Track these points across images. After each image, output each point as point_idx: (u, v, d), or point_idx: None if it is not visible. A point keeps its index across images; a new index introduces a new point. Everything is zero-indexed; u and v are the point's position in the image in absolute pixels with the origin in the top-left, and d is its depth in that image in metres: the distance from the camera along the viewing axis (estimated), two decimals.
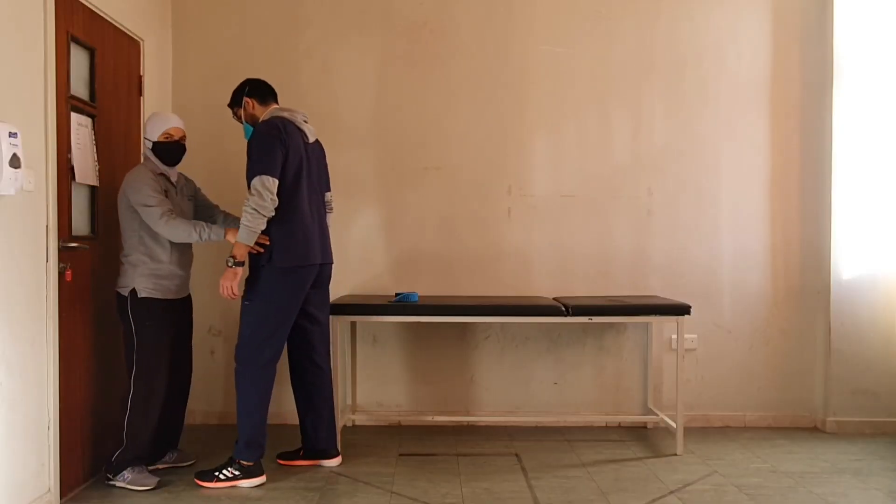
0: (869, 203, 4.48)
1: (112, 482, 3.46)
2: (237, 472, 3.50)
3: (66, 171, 3.31)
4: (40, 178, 3.09)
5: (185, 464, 3.76)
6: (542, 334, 4.62)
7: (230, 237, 3.47)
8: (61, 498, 3.25)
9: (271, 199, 3.41)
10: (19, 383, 2.94)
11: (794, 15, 4.62)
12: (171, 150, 3.57)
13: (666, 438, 4.32)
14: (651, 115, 4.63)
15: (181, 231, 3.41)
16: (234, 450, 3.55)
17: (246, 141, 3.74)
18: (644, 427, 4.59)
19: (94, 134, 3.58)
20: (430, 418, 4.38)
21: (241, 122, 3.75)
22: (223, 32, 4.59)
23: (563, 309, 4.04)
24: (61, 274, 3.22)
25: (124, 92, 3.96)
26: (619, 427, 4.60)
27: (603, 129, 4.63)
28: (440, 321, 4.23)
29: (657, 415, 4.40)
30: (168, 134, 3.56)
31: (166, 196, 3.52)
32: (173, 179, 3.62)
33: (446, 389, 4.62)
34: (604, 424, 4.62)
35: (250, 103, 3.69)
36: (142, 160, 3.64)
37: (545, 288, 4.60)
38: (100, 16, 3.64)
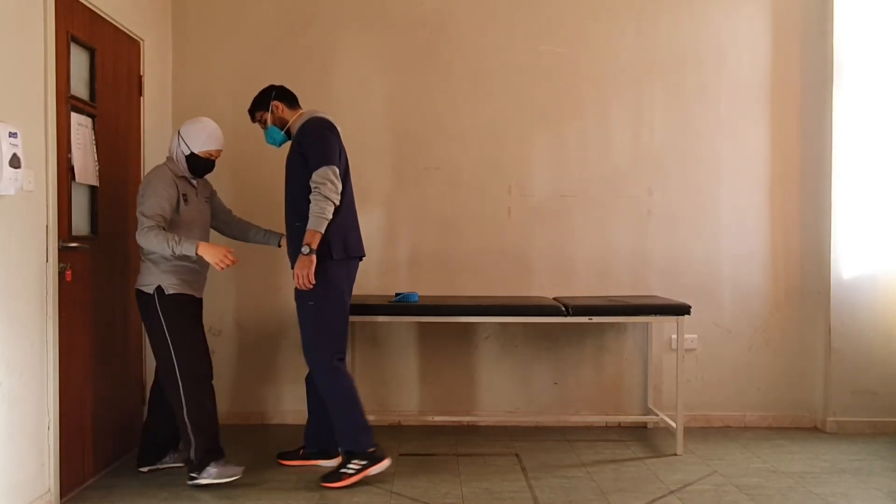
0: (869, 203, 4.48)
1: (197, 481, 3.43)
2: (364, 462, 3.50)
3: (66, 171, 3.30)
4: (40, 178, 3.09)
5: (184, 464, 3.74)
6: (542, 334, 4.62)
7: (202, 252, 3.34)
8: (61, 498, 3.25)
9: (339, 188, 3.46)
10: (19, 383, 2.94)
11: (794, 15, 4.62)
12: (204, 165, 3.57)
13: (666, 438, 4.32)
14: (651, 115, 4.63)
15: (155, 243, 3.32)
16: (343, 446, 3.54)
17: (267, 145, 3.77)
18: (644, 427, 4.59)
19: (94, 134, 3.58)
20: (430, 418, 4.38)
21: (264, 127, 3.72)
22: (223, 32, 4.59)
23: (563, 309, 4.04)
24: (61, 274, 3.22)
25: (124, 92, 3.96)
26: (619, 427, 4.60)
27: (603, 129, 4.63)
28: (440, 321, 4.23)
29: (657, 415, 4.40)
30: (210, 153, 3.56)
31: (185, 200, 3.49)
32: (194, 182, 3.61)
33: (446, 389, 4.62)
34: (604, 424, 4.62)
35: (279, 107, 3.68)
36: (166, 157, 3.58)
37: (545, 288, 4.60)
38: (100, 16, 3.64)
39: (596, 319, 4.08)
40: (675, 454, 4.03)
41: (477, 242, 4.62)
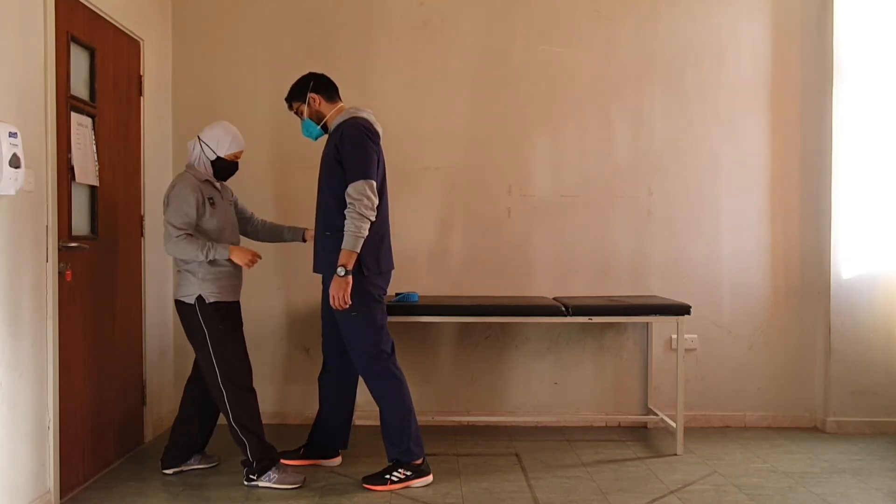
0: (869, 203, 4.48)
1: (255, 483, 3.46)
2: (409, 473, 3.49)
3: (66, 171, 3.30)
4: (40, 178, 3.09)
5: (207, 465, 3.74)
6: (542, 334, 4.62)
7: (234, 256, 3.43)
8: (61, 498, 3.25)
9: (375, 204, 3.38)
10: (19, 383, 2.94)
11: (794, 15, 4.62)
12: (230, 168, 3.60)
13: (666, 438, 4.32)
14: (651, 115, 4.63)
15: (189, 252, 3.38)
16: (391, 453, 3.52)
17: (304, 137, 3.71)
18: (644, 427, 4.59)
19: (95, 134, 3.58)
20: (430, 418, 4.38)
21: (301, 118, 3.64)
22: (223, 32, 4.59)
23: (563, 309, 4.04)
24: (61, 274, 3.22)
25: (124, 92, 3.95)
26: (619, 427, 4.60)
27: (603, 129, 4.63)
28: (440, 321, 4.23)
29: (657, 415, 4.40)
30: (236, 155, 3.59)
31: (212, 204, 3.51)
32: (217, 185, 3.62)
33: (446, 389, 4.62)
34: (604, 424, 4.62)
35: (316, 100, 3.59)
36: (186, 166, 3.59)
37: (545, 288, 4.60)
38: (100, 16, 3.64)
39: (596, 319, 4.08)
40: (675, 454, 4.03)
41: (477, 242, 4.62)
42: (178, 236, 3.39)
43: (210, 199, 3.51)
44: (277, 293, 4.54)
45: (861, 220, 4.48)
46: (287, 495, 3.39)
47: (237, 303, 3.60)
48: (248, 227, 3.87)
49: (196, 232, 3.45)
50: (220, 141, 3.55)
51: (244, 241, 3.85)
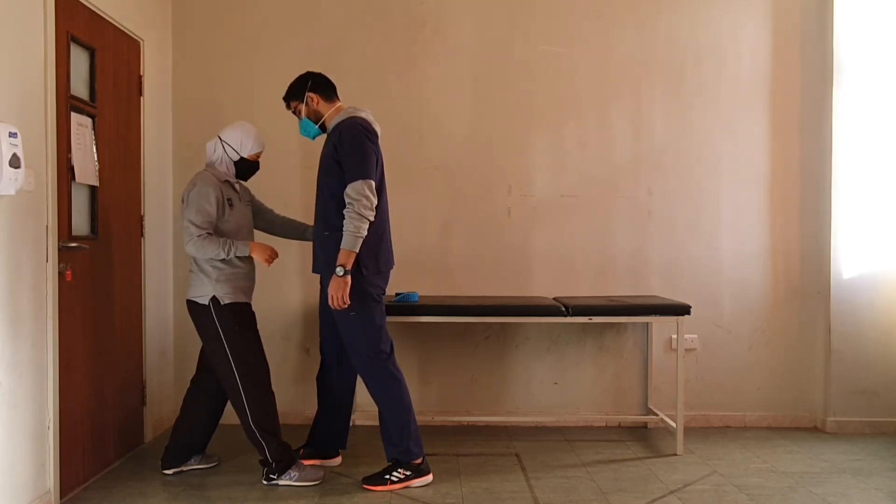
0: (869, 203, 4.48)
1: (275, 482, 3.47)
2: (409, 472, 3.49)
3: (66, 171, 3.30)
4: (40, 178, 3.09)
5: (207, 465, 3.75)
6: (542, 334, 4.62)
7: (254, 252, 3.46)
8: (61, 498, 3.25)
9: (374, 204, 3.38)
10: (19, 383, 2.94)
11: (794, 15, 4.62)
12: (253, 168, 3.64)
13: (666, 438, 4.32)
14: (651, 115, 4.63)
15: (211, 250, 3.38)
16: (391, 453, 3.52)
17: (301, 137, 3.73)
18: (644, 427, 4.59)
19: (95, 134, 3.58)
20: (430, 418, 4.38)
21: (299, 117, 3.64)
22: (223, 32, 4.59)
23: (563, 309, 4.04)
24: (61, 274, 3.22)
25: (124, 92, 3.95)
26: (619, 427, 4.60)
27: (603, 129, 4.63)
28: (440, 321, 4.23)
29: (657, 415, 4.40)
30: (258, 155, 3.62)
31: (230, 204, 3.51)
32: (237, 187, 3.62)
33: (446, 389, 4.62)
34: (604, 424, 4.62)
35: (314, 99, 3.59)
36: (206, 165, 3.60)
37: (545, 288, 4.60)
38: (100, 16, 3.64)
39: (596, 319, 4.08)
40: (675, 454, 4.03)
41: (477, 242, 4.62)
42: (199, 235, 3.38)
43: (228, 199, 3.52)
44: (277, 293, 4.54)
45: (861, 220, 4.48)
46: (287, 495, 3.39)
47: (250, 304, 3.59)
48: (263, 221, 3.83)
49: (213, 232, 3.45)
50: (242, 142, 3.57)
51: (259, 236, 3.82)
